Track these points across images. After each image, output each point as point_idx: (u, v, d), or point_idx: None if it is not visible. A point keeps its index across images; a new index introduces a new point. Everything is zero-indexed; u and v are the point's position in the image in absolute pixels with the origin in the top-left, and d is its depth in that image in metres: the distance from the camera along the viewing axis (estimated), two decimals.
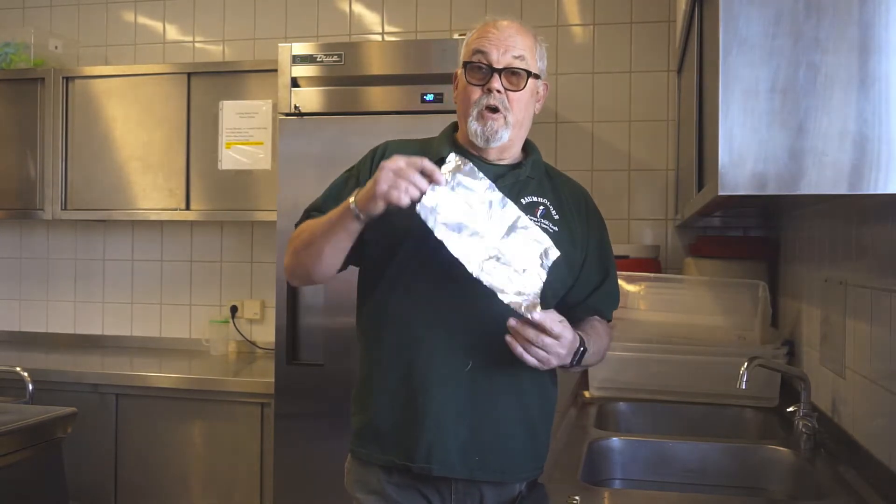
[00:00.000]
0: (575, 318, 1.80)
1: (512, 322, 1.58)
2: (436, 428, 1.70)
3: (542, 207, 1.79)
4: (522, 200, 1.76)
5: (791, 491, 2.01)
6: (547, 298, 1.72)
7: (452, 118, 1.91)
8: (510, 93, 1.73)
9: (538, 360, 1.59)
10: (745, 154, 1.31)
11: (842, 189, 1.29)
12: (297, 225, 1.90)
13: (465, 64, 1.74)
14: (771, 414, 2.49)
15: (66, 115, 3.85)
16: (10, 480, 2.49)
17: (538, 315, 1.57)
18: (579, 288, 1.84)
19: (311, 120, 3.19)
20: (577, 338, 1.66)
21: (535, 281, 1.63)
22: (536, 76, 1.78)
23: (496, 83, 1.71)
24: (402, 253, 1.74)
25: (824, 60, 1.27)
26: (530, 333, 1.57)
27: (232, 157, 3.63)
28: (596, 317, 1.89)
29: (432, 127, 1.97)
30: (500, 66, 1.71)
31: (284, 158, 3.16)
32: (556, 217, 1.80)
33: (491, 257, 1.61)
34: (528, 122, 1.83)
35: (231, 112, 3.64)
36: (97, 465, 3.40)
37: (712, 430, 2.50)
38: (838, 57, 1.27)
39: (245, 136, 3.62)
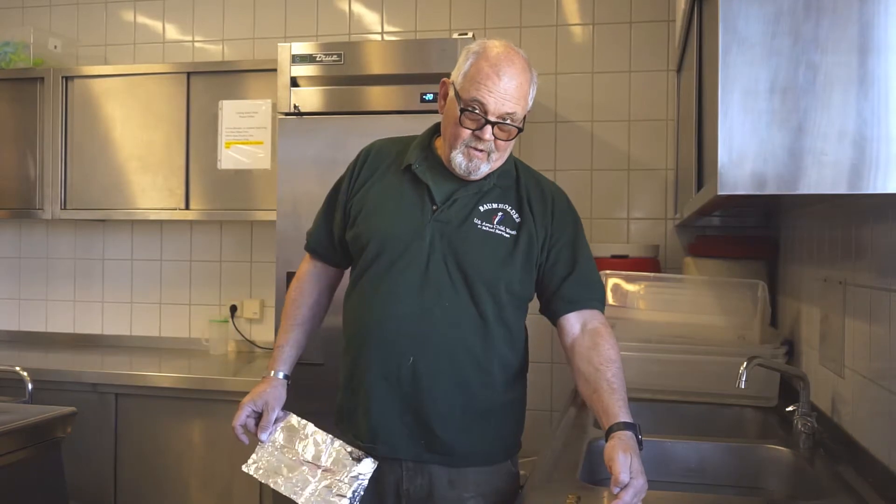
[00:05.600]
0: (555, 310, 1.91)
1: None
2: (379, 415, 1.87)
3: (500, 214, 1.89)
4: (481, 208, 1.88)
5: (790, 490, 2.01)
6: (515, 300, 1.88)
7: None
8: (498, 140, 1.82)
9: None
10: (744, 154, 1.31)
11: (841, 189, 1.29)
12: (306, 247, 2.13)
13: (462, 110, 1.79)
14: (770, 413, 2.49)
15: (65, 114, 3.85)
16: (9, 480, 2.49)
17: None
18: (546, 282, 1.92)
19: (311, 119, 3.19)
20: (631, 440, 1.67)
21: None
22: (522, 129, 1.84)
23: (487, 134, 1.80)
24: (367, 252, 1.89)
25: (824, 60, 1.28)
26: None
27: (231, 156, 3.63)
28: (603, 354, 1.84)
29: None
30: (494, 119, 1.78)
31: (284, 158, 3.17)
32: (517, 221, 1.89)
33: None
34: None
35: (230, 111, 3.64)
36: (97, 465, 3.40)
37: (712, 429, 2.49)
38: (838, 56, 1.27)
39: (244, 135, 3.62)
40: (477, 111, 1.78)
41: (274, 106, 3.54)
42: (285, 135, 3.17)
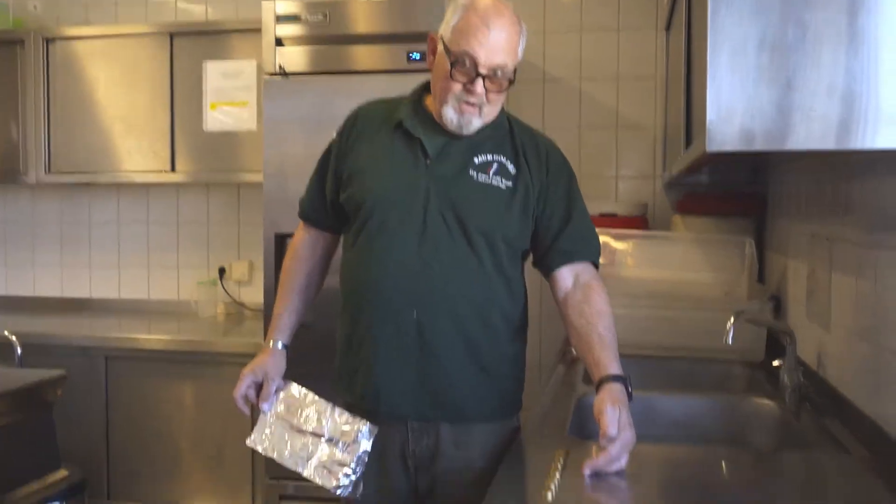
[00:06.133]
0: (549, 263, 1.92)
1: (587, 473, 1.58)
2: (382, 374, 1.85)
3: (495, 165, 1.87)
4: (475, 160, 1.87)
5: (777, 443, 2.04)
6: (511, 250, 1.87)
7: None
8: (489, 93, 1.80)
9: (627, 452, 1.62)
10: (732, 111, 1.31)
11: (829, 145, 1.29)
12: (300, 214, 2.09)
13: (452, 63, 1.77)
14: (757, 368, 2.52)
15: (47, 77, 3.80)
16: (1, 444, 2.50)
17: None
18: (542, 235, 1.91)
19: (296, 80, 3.16)
20: (621, 393, 1.70)
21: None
22: (514, 81, 1.83)
23: (479, 87, 1.77)
24: (363, 210, 1.87)
25: (813, 17, 1.27)
26: (613, 468, 1.59)
27: (217, 118, 3.60)
28: (595, 307, 1.86)
29: None
30: (484, 72, 1.76)
31: (270, 119, 3.14)
32: (513, 172, 1.88)
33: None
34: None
35: (215, 72, 3.60)
36: (88, 428, 3.42)
37: (699, 384, 2.52)
38: (827, 13, 1.27)
39: (229, 96, 3.59)
40: (467, 64, 1.76)
41: (259, 66, 3.50)
42: (271, 96, 3.15)
